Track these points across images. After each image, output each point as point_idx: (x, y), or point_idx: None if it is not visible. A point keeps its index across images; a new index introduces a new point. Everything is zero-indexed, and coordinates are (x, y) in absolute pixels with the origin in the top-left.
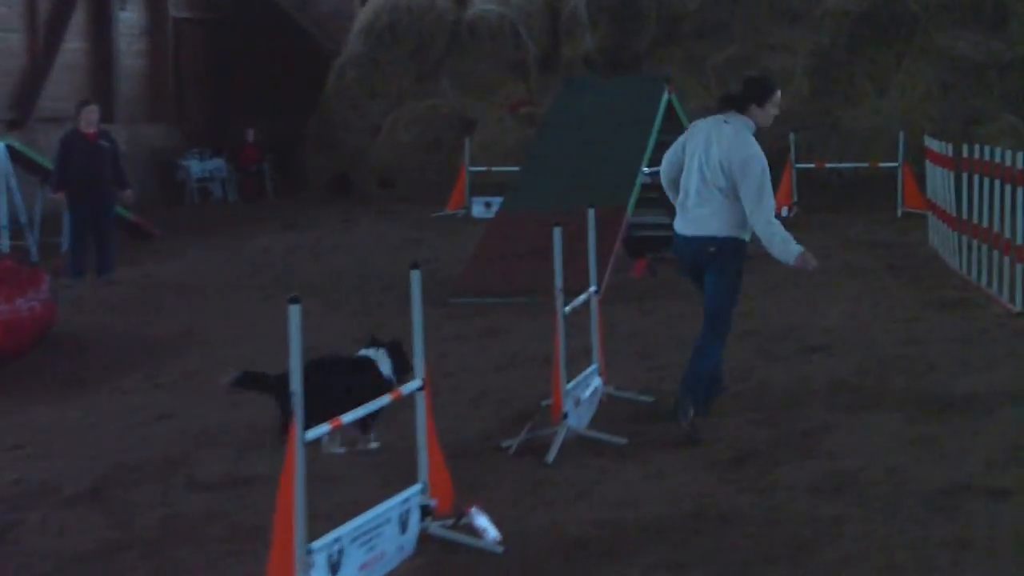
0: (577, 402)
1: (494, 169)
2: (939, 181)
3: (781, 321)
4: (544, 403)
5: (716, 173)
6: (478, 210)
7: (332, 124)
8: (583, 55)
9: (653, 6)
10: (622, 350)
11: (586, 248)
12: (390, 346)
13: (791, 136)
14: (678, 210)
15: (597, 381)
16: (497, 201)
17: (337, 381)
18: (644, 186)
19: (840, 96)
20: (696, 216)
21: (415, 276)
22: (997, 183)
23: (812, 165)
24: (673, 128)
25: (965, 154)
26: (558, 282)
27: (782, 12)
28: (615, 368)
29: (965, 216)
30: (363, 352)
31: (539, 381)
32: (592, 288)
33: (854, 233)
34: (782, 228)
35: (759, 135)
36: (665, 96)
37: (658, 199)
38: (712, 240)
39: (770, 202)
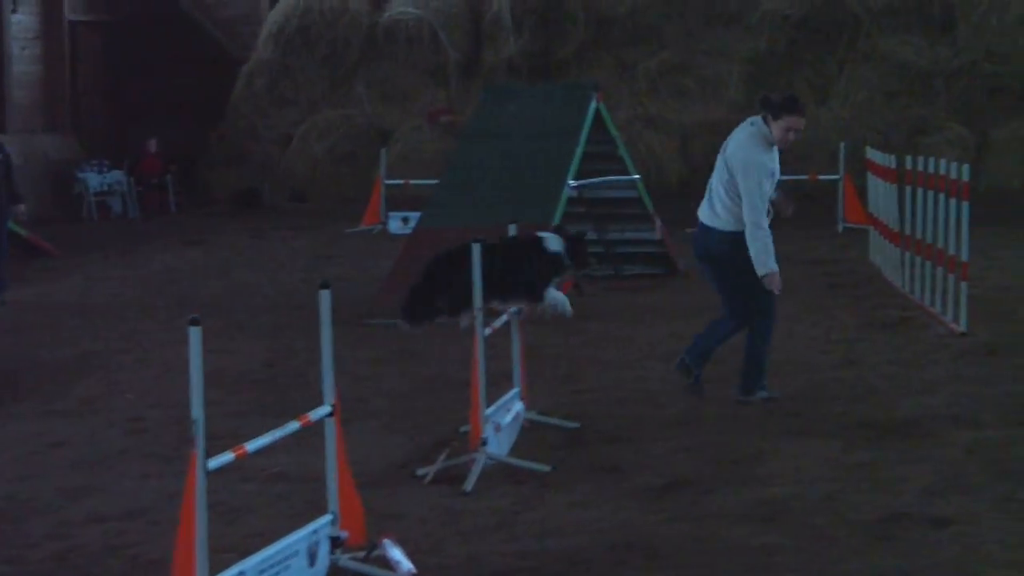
0: (497, 428)
1: (412, 182)
2: (881, 195)
3: None
4: (462, 429)
5: (723, 168)
6: (395, 226)
7: (240, 134)
8: (506, 60)
9: (581, 9)
10: (546, 373)
11: None
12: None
13: None
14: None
15: (519, 406)
16: (415, 216)
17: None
18: (570, 200)
19: None
20: (711, 205)
21: (324, 296)
22: (942, 197)
23: None
24: (601, 139)
25: (909, 166)
26: (477, 302)
27: (716, 16)
28: (538, 392)
29: (908, 232)
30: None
31: (458, 406)
32: (513, 308)
33: (792, 249)
34: (767, 239)
35: None
36: (593, 104)
37: (585, 214)
38: (721, 235)
39: (761, 208)
